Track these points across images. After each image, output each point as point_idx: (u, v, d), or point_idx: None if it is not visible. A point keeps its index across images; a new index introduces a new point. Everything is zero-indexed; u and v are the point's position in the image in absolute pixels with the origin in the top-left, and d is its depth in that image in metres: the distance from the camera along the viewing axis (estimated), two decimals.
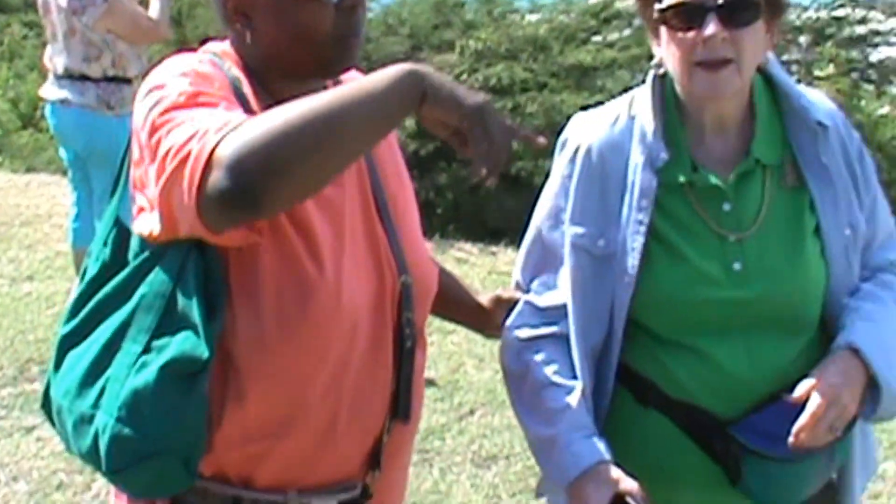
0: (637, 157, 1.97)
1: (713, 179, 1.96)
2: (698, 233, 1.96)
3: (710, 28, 1.85)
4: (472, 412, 4.78)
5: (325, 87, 1.76)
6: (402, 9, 12.07)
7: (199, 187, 1.47)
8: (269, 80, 1.74)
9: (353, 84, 1.55)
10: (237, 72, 1.72)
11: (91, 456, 1.67)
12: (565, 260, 2.01)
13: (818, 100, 2.06)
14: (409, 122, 11.79)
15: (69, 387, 1.69)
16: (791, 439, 1.88)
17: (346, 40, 1.72)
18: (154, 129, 1.57)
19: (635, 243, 1.94)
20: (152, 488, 1.68)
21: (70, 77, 5.68)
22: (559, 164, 2.05)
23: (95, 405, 1.64)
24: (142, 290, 1.65)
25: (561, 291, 2.03)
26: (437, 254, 6.33)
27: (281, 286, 1.64)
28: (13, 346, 5.40)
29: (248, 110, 1.66)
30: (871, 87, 13.35)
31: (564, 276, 2.02)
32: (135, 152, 1.67)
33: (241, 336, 1.65)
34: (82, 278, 1.78)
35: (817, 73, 14.06)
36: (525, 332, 2.04)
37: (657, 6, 1.92)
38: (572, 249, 2.00)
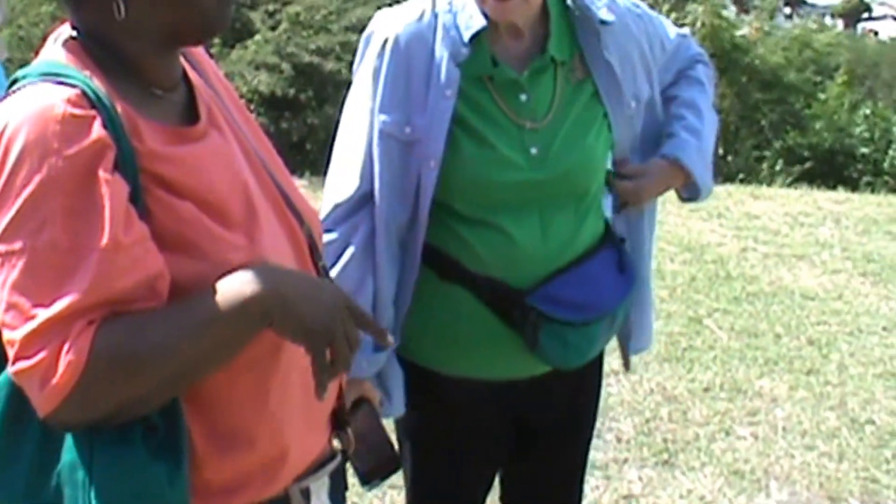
0: (441, 51, 2.09)
1: (510, 73, 2.10)
2: (499, 121, 2.10)
3: None
4: None
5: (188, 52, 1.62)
6: None
7: (48, 411, 1.33)
8: (137, 56, 1.51)
9: (197, 316, 1.39)
10: (91, 79, 1.44)
11: None
12: (373, 147, 2.10)
13: None
14: (286, 66, 11.50)
15: (9, 494, 1.44)
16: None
17: None
18: None
19: (439, 129, 2.06)
20: None
21: None
22: (369, 58, 2.14)
23: (56, 500, 1.41)
24: None
25: (367, 180, 2.12)
26: (312, 191, 6.21)
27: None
28: None
29: (114, 125, 1.40)
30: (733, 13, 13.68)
31: (372, 162, 2.12)
32: None
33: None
34: None
35: None
36: (328, 236, 2.12)
37: None
38: (380, 135, 2.09)
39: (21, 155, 1.33)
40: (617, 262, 2.21)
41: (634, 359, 4.53)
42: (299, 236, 1.66)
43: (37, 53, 1.53)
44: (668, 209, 6.67)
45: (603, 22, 2.15)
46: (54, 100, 1.37)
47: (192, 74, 1.62)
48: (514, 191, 2.09)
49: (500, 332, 2.12)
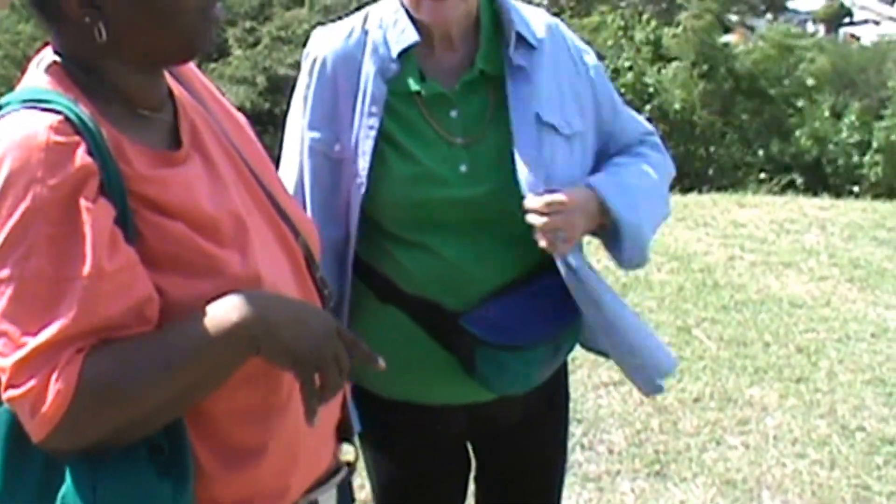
0: (369, 68, 2.07)
1: (439, 88, 2.06)
2: (427, 137, 2.06)
3: None
4: None
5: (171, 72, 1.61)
6: None
7: (40, 438, 1.34)
8: (120, 78, 1.50)
9: (184, 343, 1.39)
10: (75, 103, 1.44)
11: None
12: (304, 164, 2.11)
13: (533, 17, 2.14)
14: (261, 79, 11.57)
15: None
16: (526, 202, 1.97)
17: (210, 12, 1.52)
18: None
19: (366, 146, 2.04)
20: None
21: None
22: (302, 77, 2.14)
23: None
24: None
25: (303, 197, 2.12)
26: None
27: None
28: None
29: (99, 149, 1.40)
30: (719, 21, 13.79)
31: (304, 178, 2.12)
32: None
33: None
34: None
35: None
36: None
37: None
38: (310, 153, 2.10)
39: (6, 184, 1.34)
40: (563, 286, 2.10)
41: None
42: (295, 248, 1.66)
43: (23, 71, 1.53)
44: None
45: (521, 36, 2.07)
46: (38, 127, 1.37)
47: (178, 91, 1.61)
48: (443, 209, 2.04)
49: (439, 356, 2.08)
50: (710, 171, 12.01)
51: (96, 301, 1.33)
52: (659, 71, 12.23)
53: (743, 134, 12.99)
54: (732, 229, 6.80)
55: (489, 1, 2.10)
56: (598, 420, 4.11)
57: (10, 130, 1.37)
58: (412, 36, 2.04)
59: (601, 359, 4.54)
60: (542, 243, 1.99)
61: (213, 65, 12.37)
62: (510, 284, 2.08)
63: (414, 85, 2.06)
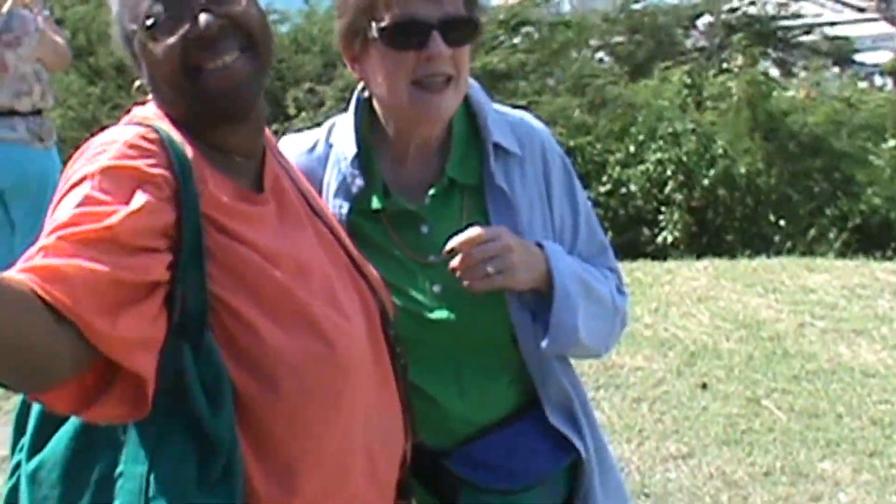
0: (332, 184, 1.95)
1: (405, 204, 1.93)
2: (396, 258, 1.93)
3: (436, 45, 1.84)
4: None
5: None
6: (313, 27, 12.20)
7: None
8: (206, 131, 1.65)
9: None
10: (168, 127, 1.62)
11: None
12: None
13: (516, 123, 2.03)
14: None
15: None
16: (444, 250, 1.84)
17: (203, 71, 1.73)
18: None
19: None
20: None
21: None
22: None
23: None
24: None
25: None
26: None
27: (295, 355, 1.57)
28: None
29: (182, 166, 1.56)
30: (781, 75, 13.57)
31: None
32: None
33: (267, 415, 1.55)
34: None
35: (725, 65, 14.39)
36: None
37: (376, 25, 1.87)
38: None
39: (95, 150, 1.54)
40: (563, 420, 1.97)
41: (693, 441, 4.47)
42: (372, 305, 1.73)
43: (91, 133, 1.69)
44: (722, 284, 6.60)
45: (499, 146, 1.96)
46: (130, 132, 1.58)
47: (270, 151, 1.76)
48: (416, 333, 1.87)
49: (424, 500, 1.90)
50: (777, 236, 11.85)
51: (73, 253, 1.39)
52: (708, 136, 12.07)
53: (809, 193, 12.81)
54: (802, 295, 6.69)
55: (465, 107, 1.99)
56: (666, 494, 4.04)
57: (109, 132, 1.60)
58: (350, 149, 1.94)
59: (669, 430, 4.49)
60: (465, 283, 1.83)
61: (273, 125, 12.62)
62: (500, 422, 1.94)
63: (377, 202, 1.93)
